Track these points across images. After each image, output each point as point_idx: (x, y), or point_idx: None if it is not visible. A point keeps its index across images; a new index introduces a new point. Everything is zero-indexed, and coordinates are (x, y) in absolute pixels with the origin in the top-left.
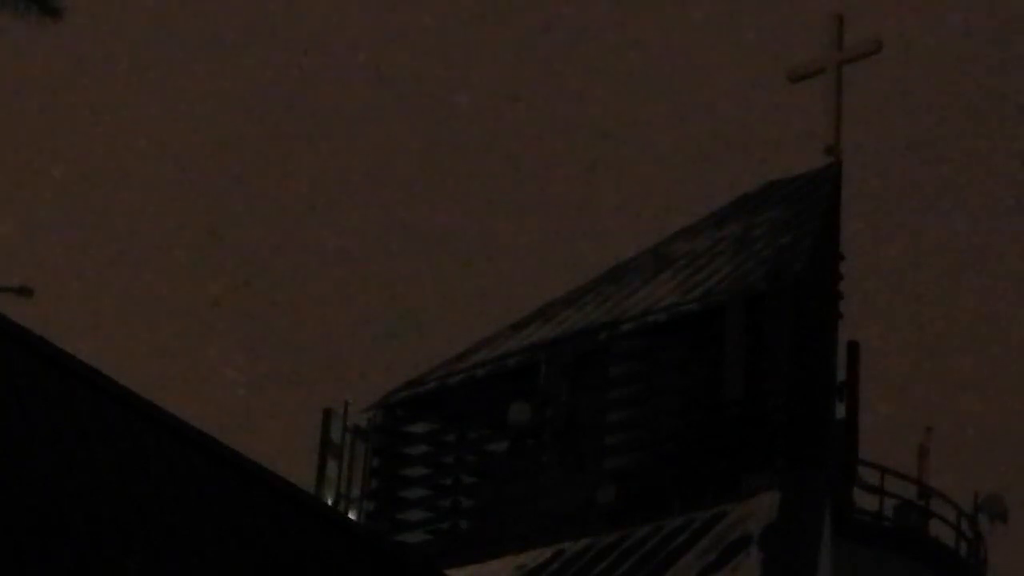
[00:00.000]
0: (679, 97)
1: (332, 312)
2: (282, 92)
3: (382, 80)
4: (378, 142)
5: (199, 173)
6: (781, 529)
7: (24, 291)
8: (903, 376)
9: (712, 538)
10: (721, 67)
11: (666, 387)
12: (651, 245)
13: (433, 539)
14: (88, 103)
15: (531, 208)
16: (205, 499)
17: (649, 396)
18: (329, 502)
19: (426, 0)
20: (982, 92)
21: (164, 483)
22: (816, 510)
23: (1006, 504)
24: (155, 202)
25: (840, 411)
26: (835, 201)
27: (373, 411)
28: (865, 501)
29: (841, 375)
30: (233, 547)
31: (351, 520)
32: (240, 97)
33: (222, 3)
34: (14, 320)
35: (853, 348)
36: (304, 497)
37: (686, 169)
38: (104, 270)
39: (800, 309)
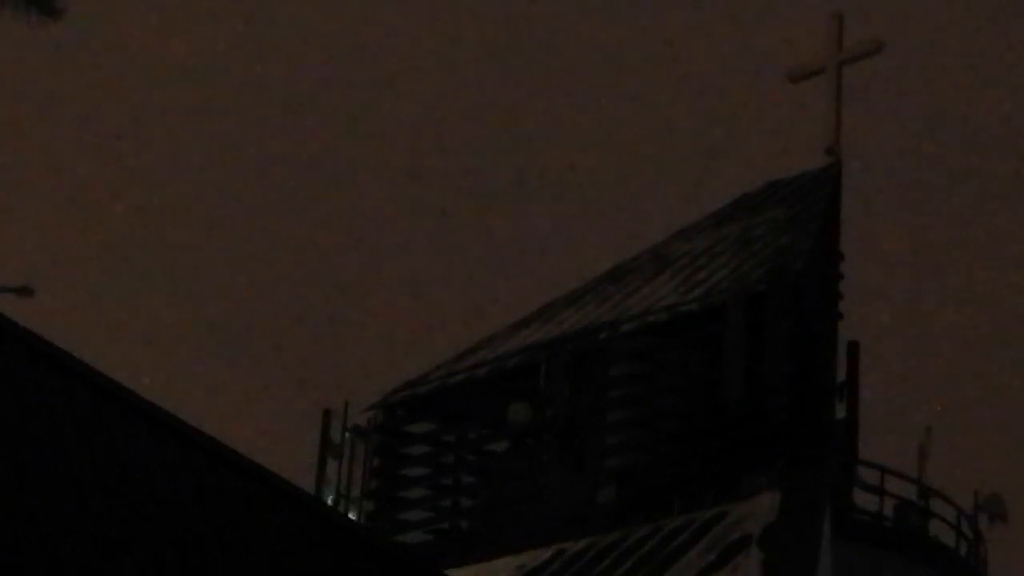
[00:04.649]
0: (679, 97)
1: (332, 312)
2: (282, 94)
3: (381, 81)
4: (376, 142)
5: (199, 174)
6: (781, 529)
7: (24, 291)
8: (903, 376)
9: (712, 538)
10: (721, 67)
11: (666, 387)
12: (651, 245)
13: (433, 539)
14: (88, 102)
15: (531, 208)
16: (205, 499)
17: (649, 396)
18: (329, 502)
19: (421, 0)
20: (982, 92)
21: (164, 483)
22: (816, 510)
23: (1006, 504)
24: (155, 202)
25: (840, 411)
26: (835, 201)
27: (373, 411)
28: (865, 501)
29: (841, 375)
30: (233, 547)
31: (351, 520)
32: (241, 97)
33: (224, 2)
34: (14, 320)
35: (853, 348)
36: (304, 497)
37: (686, 169)
38: (104, 270)
39: (800, 309)
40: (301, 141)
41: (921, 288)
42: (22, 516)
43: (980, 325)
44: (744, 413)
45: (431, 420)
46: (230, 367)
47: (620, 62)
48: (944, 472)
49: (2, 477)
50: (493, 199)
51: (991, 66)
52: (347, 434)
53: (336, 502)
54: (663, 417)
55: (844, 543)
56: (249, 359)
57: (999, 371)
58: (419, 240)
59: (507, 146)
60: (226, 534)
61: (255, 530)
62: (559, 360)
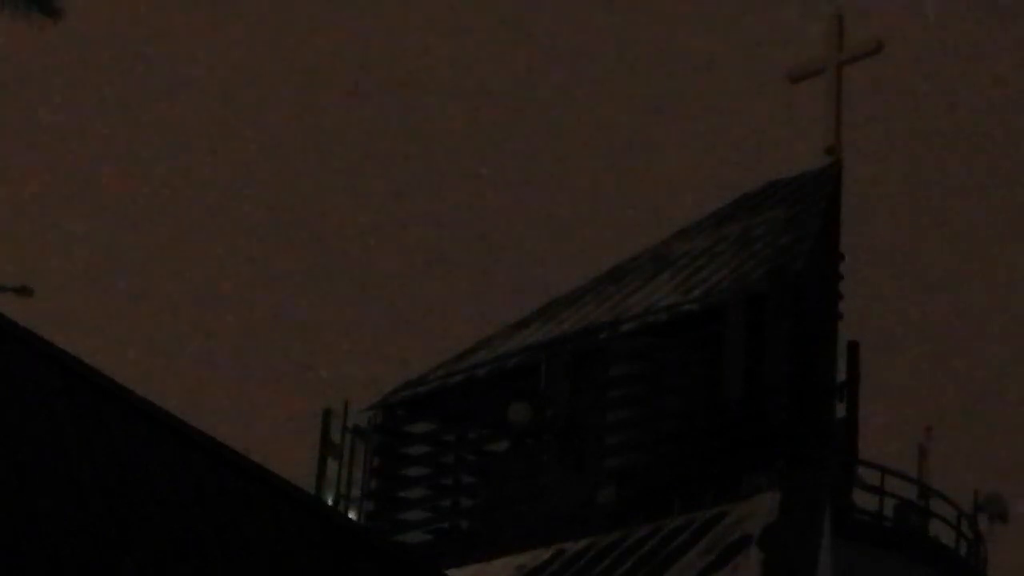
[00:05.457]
0: (679, 97)
1: (332, 312)
2: (282, 94)
3: (380, 83)
4: (377, 142)
5: (200, 173)
6: (781, 529)
7: (24, 291)
8: (903, 376)
9: (712, 538)
10: (721, 67)
11: (666, 387)
12: (651, 245)
13: (433, 539)
14: (88, 103)
15: (531, 208)
16: (205, 499)
17: (649, 396)
18: (329, 502)
19: (421, 0)
20: (982, 92)
21: (164, 483)
22: (816, 510)
23: (1006, 504)
24: (155, 202)
25: (840, 411)
26: (835, 201)
27: (373, 411)
28: (865, 501)
29: (841, 375)
30: (233, 547)
31: (351, 520)
32: (241, 95)
33: (224, 2)
34: (14, 320)
35: (853, 348)
36: (304, 497)
37: (686, 169)
38: (104, 270)
39: (800, 309)
40: (301, 141)
41: (921, 287)
42: (22, 516)
43: (980, 325)
44: (744, 413)
45: (431, 420)
46: (230, 367)
47: (620, 62)
48: (944, 472)
49: (2, 477)
50: (493, 199)
51: (991, 66)
52: (347, 434)
53: (336, 502)
54: (663, 417)
55: (844, 543)
56: (249, 359)
57: (999, 371)
58: (418, 240)
59: (507, 146)
60: (226, 534)
61: (255, 530)
62: (559, 360)
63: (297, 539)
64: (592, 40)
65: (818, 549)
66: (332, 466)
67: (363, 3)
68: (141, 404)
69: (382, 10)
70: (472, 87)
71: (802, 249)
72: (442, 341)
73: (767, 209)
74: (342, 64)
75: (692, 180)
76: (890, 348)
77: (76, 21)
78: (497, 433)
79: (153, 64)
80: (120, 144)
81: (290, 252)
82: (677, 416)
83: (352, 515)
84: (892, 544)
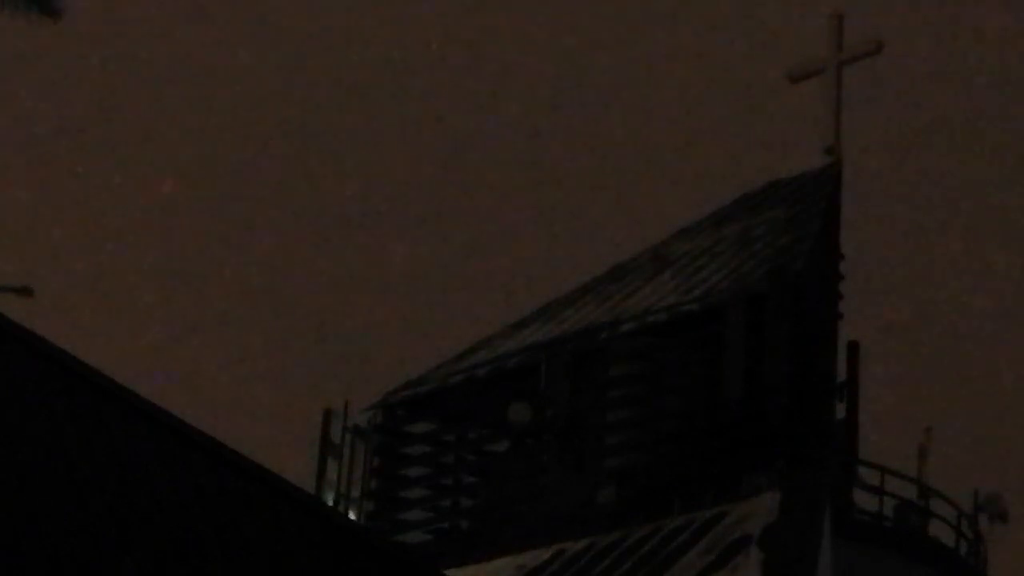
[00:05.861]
0: (679, 97)
1: (332, 312)
2: (283, 95)
3: (380, 83)
4: (377, 142)
5: (200, 175)
6: (781, 529)
7: (24, 291)
8: (903, 376)
9: (712, 538)
10: (721, 67)
11: (666, 387)
12: (651, 245)
13: (433, 539)
14: (88, 103)
15: (531, 208)
16: (205, 499)
17: (649, 396)
18: (329, 502)
19: (421, 2)
20: (982, 92)
21: (164, 483)
22: (816, 510)
23: (1006, 504)
24: (155, 202)
25: (840, 411)
26: (835, 201)
27: (373, 411)
28: (865, 501)
29: (841, 375)
30: (233, 547)
31: (351, 520)
32: (241, 97)
33: (223, 3)
34: (14, 320)
35: (853, 348)
36: (304, 497)
37: (686, 169)
38: (104, 270)
39: (800, 309)
40: (302, 140)
41: (921, 288)
42: (22, 516)
43: (980, 325)
44: (744, 413)
45: (431, 420)
46: (230, 367)
47: (620, 62)
48: (944, 472)
49: (2, 477)
50: (493, 199)
51: (991, 66)
52: (347, 434)
53: (336, 502)
54: (663, 417)
55: (844, 543)
56: (249, 359)
57: (999, 371)
58: (419, 240)
59: (507, 146)
60: (226, 534)
61: (255, 530)
62: (559, 360)
63: (297, 539)
64: (592, 40)
65: (818, 549)
66: (332, 466)
67: (364, 3)
68: (141, 404)
69: (383, 10)
70: (472, 88)
71: (802, 249)
72: (442, 341)
73: (767, 209)
74: (342, 63)
75: (692, 180)
76: (890, 348)
77: (76, 21)
78: (497, 433)
79: (153, 64)
80: (120, 144)
81: (290, 252)
82: (677, 416)
83: (352, 515)
84: (892, 544)
